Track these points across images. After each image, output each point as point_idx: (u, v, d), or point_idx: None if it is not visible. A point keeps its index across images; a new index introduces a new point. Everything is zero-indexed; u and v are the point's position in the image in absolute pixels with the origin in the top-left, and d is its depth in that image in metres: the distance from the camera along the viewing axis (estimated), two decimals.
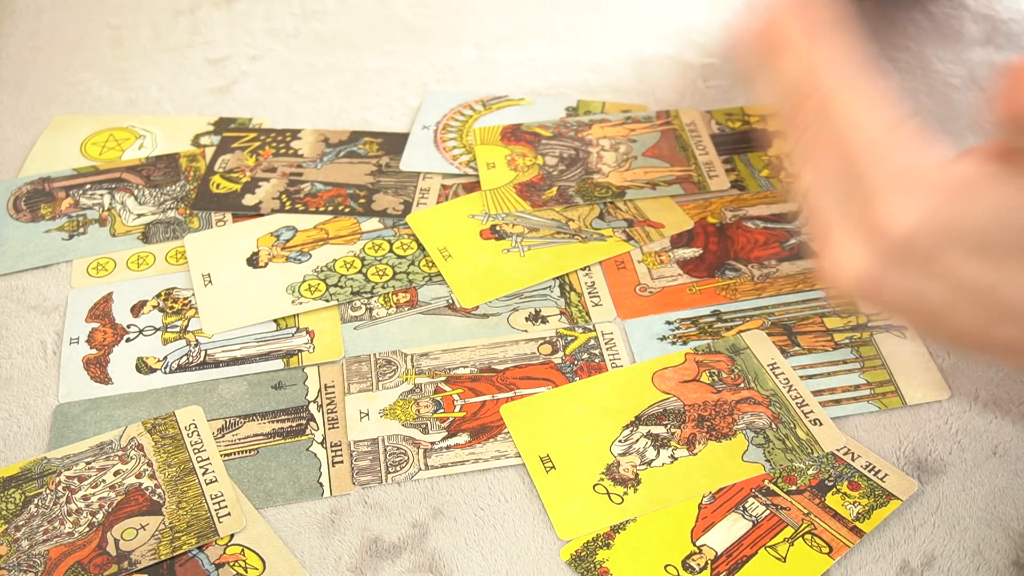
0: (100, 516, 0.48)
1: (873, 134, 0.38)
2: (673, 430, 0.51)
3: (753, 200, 0.61)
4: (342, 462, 0.50)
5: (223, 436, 0.51)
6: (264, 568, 0.46)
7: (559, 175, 0.63)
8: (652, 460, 0.50)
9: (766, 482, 0.49)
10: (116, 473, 0.50)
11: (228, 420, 0.52)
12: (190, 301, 0.58)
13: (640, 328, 0.55)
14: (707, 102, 0.68)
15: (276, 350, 0.55)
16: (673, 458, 0.50)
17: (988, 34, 0.72)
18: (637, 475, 0.49)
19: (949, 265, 0.37)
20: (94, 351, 0.55)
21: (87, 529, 0.48)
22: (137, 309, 0.57)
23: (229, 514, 0.48)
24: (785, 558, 0.46)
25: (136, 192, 0.64)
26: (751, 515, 0.47)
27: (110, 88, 0.72)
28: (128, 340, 0.56)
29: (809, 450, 0.50)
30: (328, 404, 0.53)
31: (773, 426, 0.51)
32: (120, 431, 0.52)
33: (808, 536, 0.46)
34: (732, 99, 0.69)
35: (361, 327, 0.56)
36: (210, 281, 0.58)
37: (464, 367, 0.54)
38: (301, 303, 0.57)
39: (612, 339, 0.55)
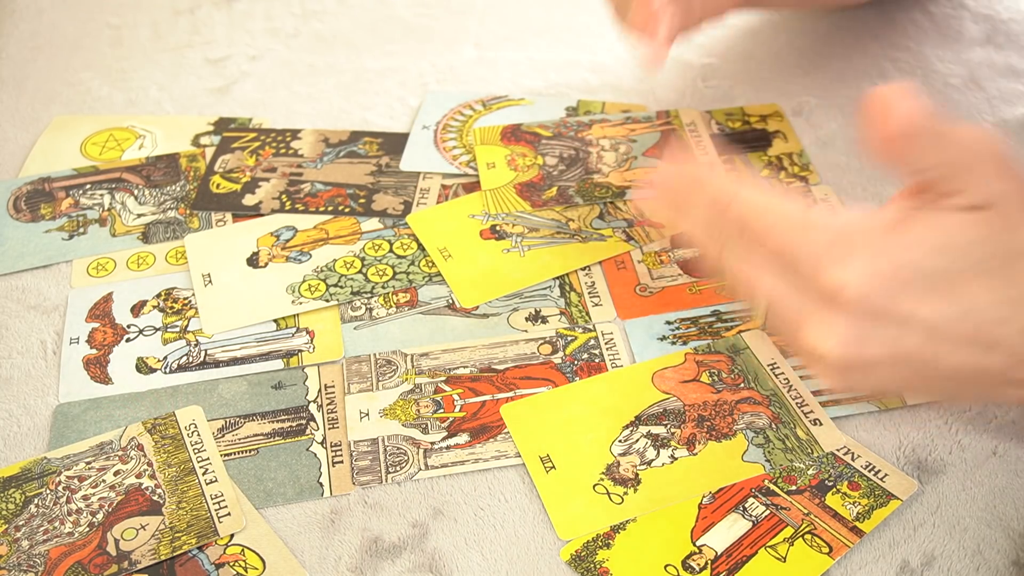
0: (100, 516, 0.48)
1: (792, 219, 0.39)
2: (673, 430, 0.51)
3: None
4: (342, 462, 0.50)
5: (223, 436, 0.51)
6: (264, 568, 0.47)
7: (559, 175, 0.63)
8: (652, 460, 0.50)
9: (766, 482, 0.49)
10: (116, 473, 0.50)
11: (228, 420, 0.52)
12: (190, 301, 0.58)
13: (640, 328, 0.55)
14: (707, 102, 0.68)
15: (276, 350, 0.55)
16: (673, 458, 0.50)
17: (988, 34, 0.72)
18: (637, 475, 0.49)
19: (911, 308, 0.38)
20: (94, 351, 0.55)
21: (87, 529, 0.48)
22: (137, 309, 0.57)
23: (229, 514, 0.48)
24: (785, 558, 0.46)
25: (136, 192, 0.64)
26: (751, 515, 0.47)
27: (110, 88, 0.72)
28: (128, 340, 0.56)
29: (809, 450, 0.50)
30: (328, 404, 0.53)
31: (773, 426, 0.51)
32: (120, 431, 0.52)
33: (808, 536, 0.46)
34: (732, 99, 0.69)
35: (361, 327, 0.56)
36: (210, 281, 0.58)
37: (464, 367, 0.54)
38: (301, 303, 0.57)
39: (612, 339, 0.55)
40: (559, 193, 0.62)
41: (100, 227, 0.62)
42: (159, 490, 0.49)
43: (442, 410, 0.52)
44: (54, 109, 0.71)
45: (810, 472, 0.49)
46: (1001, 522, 0.47)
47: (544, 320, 0.56)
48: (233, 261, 0.59)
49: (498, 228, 0.60)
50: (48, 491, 0.49)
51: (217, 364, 0.55)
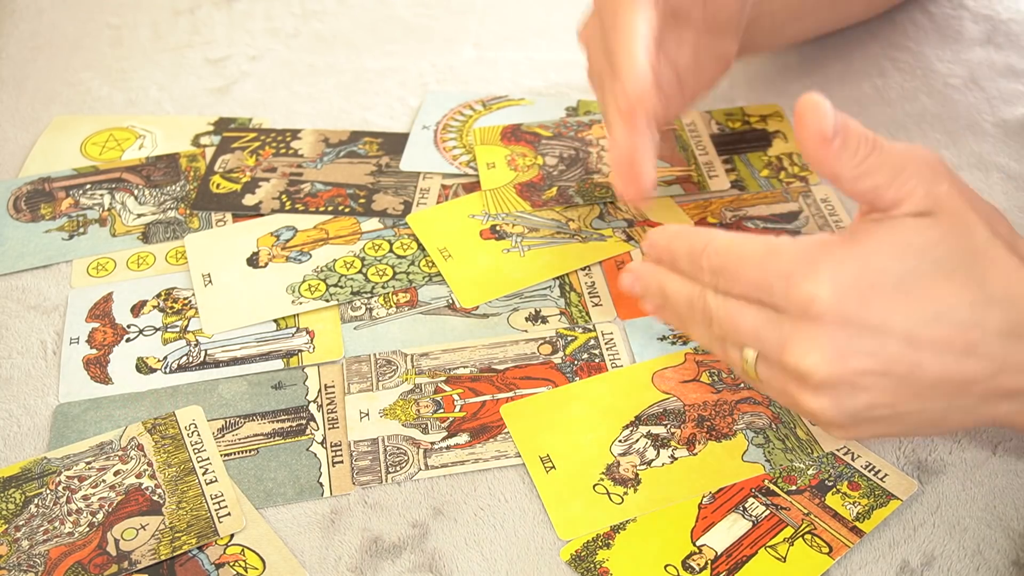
0: (100, 516, 0.48)
1: (759, 249, 0.41)
2: (673, 430, 0.51)
3: (753, 200, 0.61)
4: (342, 462, 0.50)
5: (223, 436, 0.51)
6: (264, 568, 0.47)
7: (559, 175, 0.63)
8: (652, 460, 0.50)
9: (766, 482, 0.49)
10: (116, 473, 0.50)
11: (228, 420, 0.52)
12: (190, 301, 0.58)
13: (640, 328, 0.55)
14: (707, 102, 0.68)
15: (276, 350, 0.55)
16: (673, 458, 0.50)
17: (988, 34, 0.72)
18: (637, 475, 0.49)
19: (883, 314, 0.39)
20: (94, 351, 0.55)
21: (87, 529, 0.48)
22: (137, 309, 0.57)
23: (229, 514, 0.48)
24: (785, 558, 0.46)
25: (136, 192, 0.64)
26: (751, 515, 0.47)
27: (110, 88, 0.72)
28: (128, 340, 0.56)
29: (809, 450, 0.50)
30: (328, 404, 0.53)
31: (773, 426, 0.51)
32: (120, 431, 0.52)
33: (808, 536, 0.46)
34: (732, 99, 0.69)
35: (361, 327, 0.56)
36: (210, 281, 0.58)
37: (464, 367, 0.54)
38: (301, 303, 0.57)
39: (612, 339, 0.55)
40: (559, 193, 0.62)
41: (100, 227, 0.62)
42: (159, 490, 0.49)
43: (442, 410, 0.52)
44: (54, 109, 0.71)
45: (810, 472, 0.49)
46: (1001, 522, 0.47)
47: (544, 320, 0.56)
48: (233, 261, 0.59)
49: (498, 228, 0.60)
50: (48, 491, 0.49)
51: (217, 364, 0.55)
